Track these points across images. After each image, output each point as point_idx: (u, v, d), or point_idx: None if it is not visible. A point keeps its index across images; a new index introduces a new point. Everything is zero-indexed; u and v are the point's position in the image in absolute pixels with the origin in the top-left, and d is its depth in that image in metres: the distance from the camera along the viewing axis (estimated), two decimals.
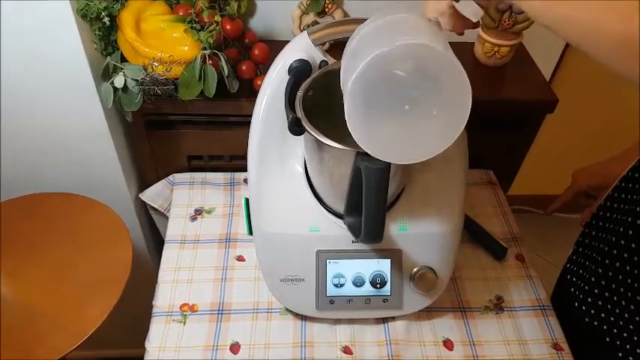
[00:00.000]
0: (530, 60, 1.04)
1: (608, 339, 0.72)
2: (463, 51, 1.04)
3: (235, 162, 1.04)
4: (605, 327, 0.73)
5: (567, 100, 1.57)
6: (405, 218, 0.76)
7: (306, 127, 0.64)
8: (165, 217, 1.02)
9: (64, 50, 0.81)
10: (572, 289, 0.79)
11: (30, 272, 0.80)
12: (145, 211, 1.12)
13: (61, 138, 0.94)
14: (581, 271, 0.78)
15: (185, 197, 0.99)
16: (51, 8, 0.76)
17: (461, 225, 0.79)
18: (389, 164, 0.59)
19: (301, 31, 1.01)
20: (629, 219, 0.66)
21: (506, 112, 0.99)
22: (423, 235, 0.77)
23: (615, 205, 0.72)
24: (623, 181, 0.71)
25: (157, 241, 1.22)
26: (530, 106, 0.98)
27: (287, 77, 0.70)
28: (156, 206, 1.03)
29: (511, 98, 0.98)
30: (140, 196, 1.04)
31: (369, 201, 0.62)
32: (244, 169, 0.80)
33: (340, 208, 0.74)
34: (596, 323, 0.74)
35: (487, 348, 0.79)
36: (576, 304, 0.77)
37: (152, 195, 1.03)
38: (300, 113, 0.65)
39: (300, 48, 0.71)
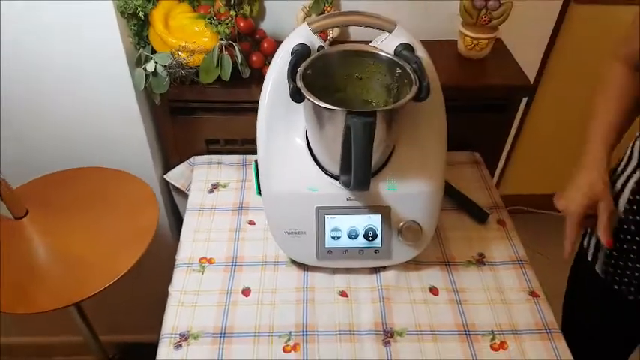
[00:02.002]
0: (507, 52, 1.17)
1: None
2: (448, 47, 1.17)
3: (247, 146, 1.17)
4: None
5: (557, 99, 1.67)
6: (394, 179, 0.88)
7: (305, 94, 0.77)
8: (185, 198, 1.15)
9: (105, 43, 0.96)
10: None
11: (71, 228, 0.93)
12: (167, 192, 1.25)
13: (98, 122, 1.09)
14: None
15: (204, 175, 1.12)
16: (96, 6, 0.91)
17: (442, 186, 0.90)
18: (374, 119, 0.72)
19: None
20: None
21: (488, 97, 1.12)
22: (409, 194, 0.88)
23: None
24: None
25: (177, 224, 1.34)
26: (507, 90, 1.11)
27: (290, 58, 0.83)
28: (178, 186, 1.16)
29: (491, 84, 1.11)
30: (165, 176, 1.17)
31: (358, 152, 0.73)
32: (254, 152, 0.91)
33: (336, 170, 0.85)
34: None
35: (469, 294, 0.89)
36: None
37: (175, 176, 1.17)
38: (300, 84, 0.78)
39: (301, 35, 0.84)
